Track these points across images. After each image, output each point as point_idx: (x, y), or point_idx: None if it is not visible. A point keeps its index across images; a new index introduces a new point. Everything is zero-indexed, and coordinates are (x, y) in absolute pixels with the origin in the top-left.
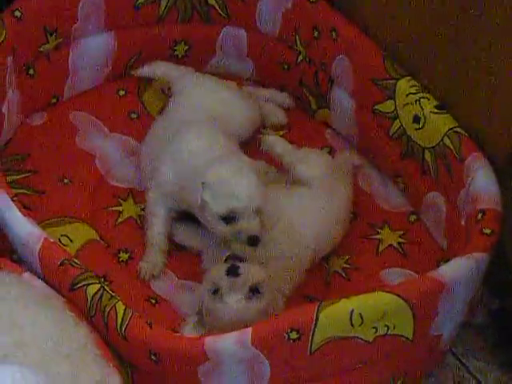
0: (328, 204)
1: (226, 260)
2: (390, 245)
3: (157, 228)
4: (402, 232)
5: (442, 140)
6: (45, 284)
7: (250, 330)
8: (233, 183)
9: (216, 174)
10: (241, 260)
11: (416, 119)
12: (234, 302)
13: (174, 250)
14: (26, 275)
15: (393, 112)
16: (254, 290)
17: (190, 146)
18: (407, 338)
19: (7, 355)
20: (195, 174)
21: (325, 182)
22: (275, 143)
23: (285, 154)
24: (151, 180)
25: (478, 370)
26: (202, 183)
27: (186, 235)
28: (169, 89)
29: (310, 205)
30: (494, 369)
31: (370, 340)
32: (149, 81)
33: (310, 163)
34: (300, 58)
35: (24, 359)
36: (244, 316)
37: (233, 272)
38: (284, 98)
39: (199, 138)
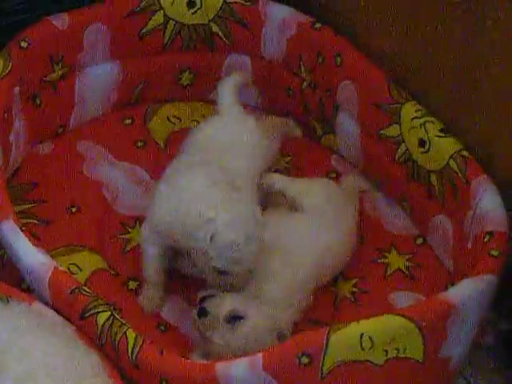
0: (331, 230)
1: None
2: (398, 268)
3: (149, 265)
4: (409, 255)
5: (447, 163)
6: (55, 313)
7: (260, 355)
8: (243, 251)
9: (228, 238)
10: (212, 295)
11: (421, 143)
12: (219, 339)
13: (182, 277)
14: (36, 304)
15: (398, 136)
16: (233, 318)
17: (190, 185)
18: (417, 361)
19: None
20: (192, 217)
21: (329, 210)
22: (273, 180)
23: (285, 188)
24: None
25: None
26: (211, 238)
27: (189, 265)
28: (176, 117)
29: (311, 231)
30: None
31: (381, 363)
32: (154, 109)
33: (312, 195)
34: (305, 84)
35: None
36: (238, 343)
37: (202, 313)
38: (292, 127)
39: (202, 179)
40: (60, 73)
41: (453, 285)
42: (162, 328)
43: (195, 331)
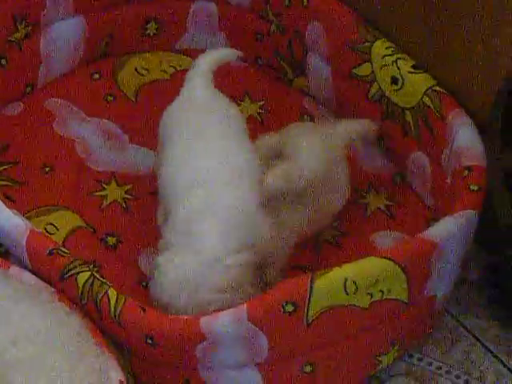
0: (324, 193)
1: None
2: (378, 208)
3: None
4: (388, 194)
5: (421, 99)
6: (33, 276)
7: (245, 306)
8: None
9: None
10: None
11: (394, 80)
12: None
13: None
14: (13, 269)
15: (370, 75)
16: None
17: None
18: (402, 302)
19: (2, 352)
20: None
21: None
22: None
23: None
24: None
25: (475, 327)
26: None
27: None
28: (144, 68)
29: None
30: (492, 325)
31: (366, 306)
32: (122, 61)
33: (300, 161)
34: (273, 27)
35: (19, 355)
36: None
37: None
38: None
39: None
40: (24, 31)
41: (434, 222)
42: (144, 284)
43: None
